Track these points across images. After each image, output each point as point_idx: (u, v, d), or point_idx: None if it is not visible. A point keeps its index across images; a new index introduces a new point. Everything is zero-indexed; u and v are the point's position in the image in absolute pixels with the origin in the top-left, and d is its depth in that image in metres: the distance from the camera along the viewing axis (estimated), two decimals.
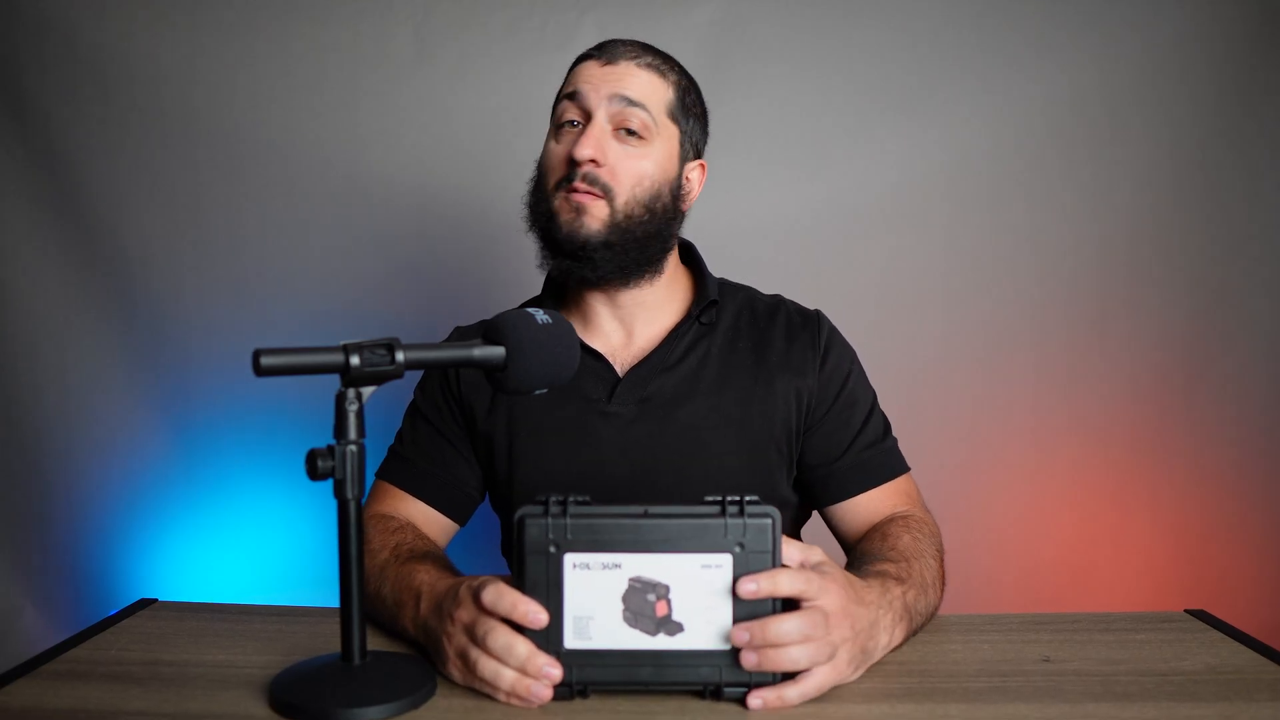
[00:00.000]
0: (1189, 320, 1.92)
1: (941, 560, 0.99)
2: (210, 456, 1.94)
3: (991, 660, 0.86)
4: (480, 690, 0.76)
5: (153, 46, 1.87)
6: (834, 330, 1.17)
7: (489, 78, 1.89)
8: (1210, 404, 1.94)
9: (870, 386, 1.17)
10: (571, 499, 0.74)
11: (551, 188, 1.06)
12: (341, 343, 0.72)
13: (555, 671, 0.73)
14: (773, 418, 1.10)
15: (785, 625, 0.72)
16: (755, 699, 0.73)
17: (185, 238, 1.92)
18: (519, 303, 1.19)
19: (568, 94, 1.08)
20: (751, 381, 1.10)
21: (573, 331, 0.84)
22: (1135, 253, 1.91)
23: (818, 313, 1.18)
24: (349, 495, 0.74)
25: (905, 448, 1.15)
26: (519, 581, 0.74)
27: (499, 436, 1.12)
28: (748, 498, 0.73)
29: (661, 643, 0.73)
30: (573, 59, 1.13)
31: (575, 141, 1.04)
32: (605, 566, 0.73)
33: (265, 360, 0.69)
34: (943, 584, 0.97)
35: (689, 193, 1.14)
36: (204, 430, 1.94)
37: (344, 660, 0.77)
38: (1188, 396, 1.93)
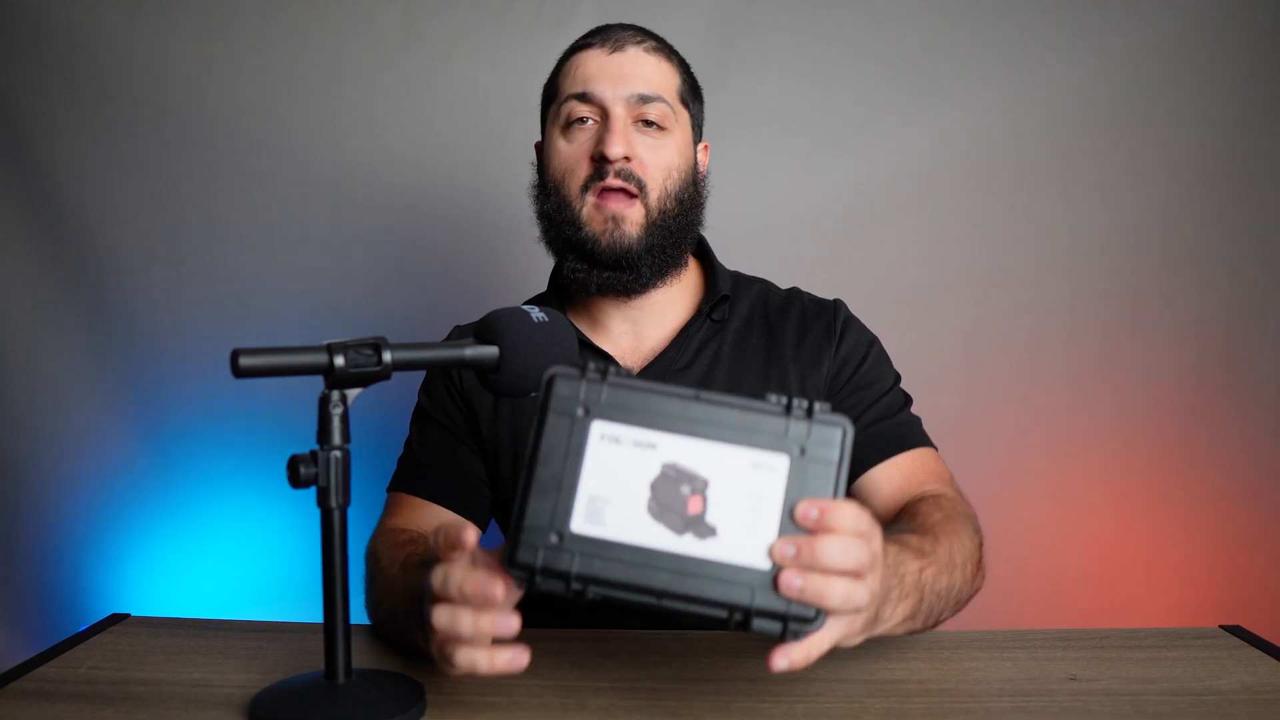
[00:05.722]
0: (1226, 318, 1.92)
1: (980, 543, 0.96)
2: (186, 463, 1.95)
3: (1015, 679, 0.86)
4: (451, 668, 0.71)
5: (122, 28, 1.88)
6: (852, 317, 1.17)
7: (481, 59, 1.90)
8: (1249, 406, 1.93)
9: (894, 371, 1.17)
10: (613, 369, 0.66)
11: (576, 191, 1.07)
12: (325, 342, 0.73)
13: (497, 589, 0.67)
14: None
15: (839, 547, 0.63)
16: (781, 658, 0.65)
17: (157, 231, 1.92)
18: (513, 299, 1.19)
19: (576, 94, 1.07)
20: (763, 382, 1.11)
21: (570, 330, 0.85)
22: (1170, 245, 1.91)
23: (836, 301, 1.19)
24: (333, 504, 0.74)
25: None
26: (533, 447, 0.65)
27: (504, 441, 1.13)
28: (819, 404, 0.65)
29: (688, 545, 0.63)
30: (571, 39, 1.14)
31: (598, 139, 1.06)
32: (638, 444, 0.65)
33: (244, 360, 0.69)
34: (979, 570, 0.94)
35: (702, 177, 1.16)
36: (180, 435, 1.94)
37: (328, 679, 0.77)
38: (1225, 398, 1.93)
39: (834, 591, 0.63)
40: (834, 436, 0.65)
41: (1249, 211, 1.90)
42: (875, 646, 0.94)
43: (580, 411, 0.65)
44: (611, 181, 1.05)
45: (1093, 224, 1.90)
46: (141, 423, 1.96)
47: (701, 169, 1.16)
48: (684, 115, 1.12)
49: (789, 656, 0.65)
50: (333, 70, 1.89)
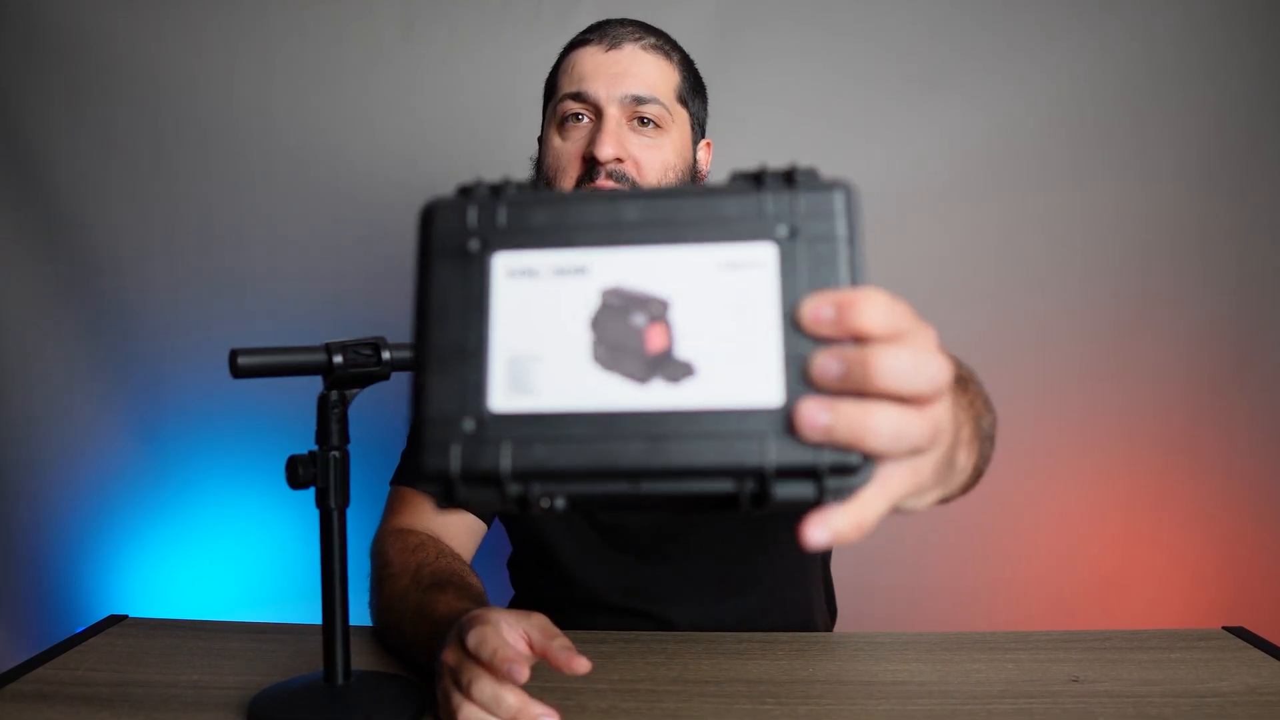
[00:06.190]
0: (1236, 316, 1.91)
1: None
2: (184, 464, 1.94)
3: (1017, 680, 0.86)
4: None
5: (119, 24, 1.87)
6: None
7: (481, 59, 1.90)
8: (1256, 406, 1.93)
9: None
10: (513, 182, 0.48)
11: (568, 189, 1.07)
12: (324, 342, 0.73)
13: None
14: None
15: (878, 356, 0.42)
16: (818, 528, 0.43)
17: (155, 230, 1.92)
18: None
19: (571, 93, 1.07)
20: None
21: None
22: (1180, 242, 1.89)
23: None
24: (332, 504, 0.74)
25: None
26: (418, 309, 0.47)
27: None
28: (802, 166, 0.47)
29: (658, 396, 0.43)
30: (570, 38, 1.14)
31: (590, 139, 1.05)
32: (562, 272, 0.45)
33: (243, 360, 0.70)
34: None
35: (703, 176, 1.15)
36: (178, 436, 1.94)
37: (327, 681, 0.77)
38: (1231, 398, 1.93)
39: (879, 425, 0.41)
40: (833, 203, 0.45)
41: (1261, 210, 1.88)
42: (876, 647, 0.94)
43: (475, 245, 0.46)
44: (603, 183, 1.04)
45: (1101, 222, 1.89)
46: (140, 423, 1.96)
47: (702, 167, 1.16)
48: (682, 114, 1.11)
49: (829, 524, 0.43)
50: (332, 69, 1.89)
